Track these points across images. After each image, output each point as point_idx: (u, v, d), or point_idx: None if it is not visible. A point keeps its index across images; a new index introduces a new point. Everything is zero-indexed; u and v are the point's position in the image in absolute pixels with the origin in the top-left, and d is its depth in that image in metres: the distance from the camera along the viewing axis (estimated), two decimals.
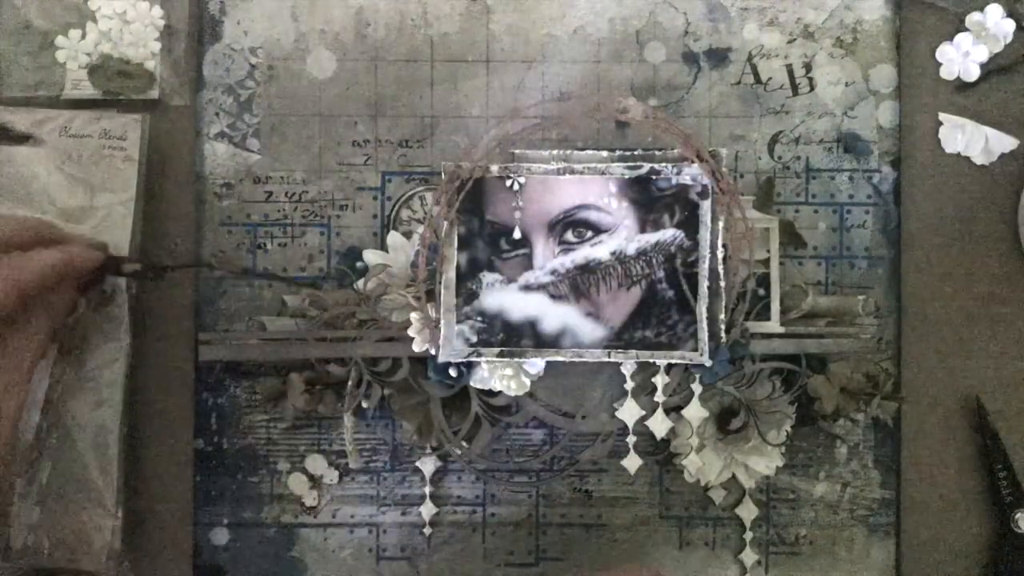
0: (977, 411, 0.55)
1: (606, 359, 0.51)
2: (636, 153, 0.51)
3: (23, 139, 0.52)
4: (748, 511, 0.55)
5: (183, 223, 0.55)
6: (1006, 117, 0.55)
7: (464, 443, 0.53)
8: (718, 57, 0.56)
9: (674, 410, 0.53)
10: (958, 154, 0.55)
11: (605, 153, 0.51)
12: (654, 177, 0.51)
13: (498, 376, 0.52)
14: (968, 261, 0.55)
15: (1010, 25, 0.54)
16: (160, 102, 0.54)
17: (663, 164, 0.51)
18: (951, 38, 0.55)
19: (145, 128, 0.53)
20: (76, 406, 0.52)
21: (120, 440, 0.52)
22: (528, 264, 0.51)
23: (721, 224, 0.51)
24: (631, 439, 0.53)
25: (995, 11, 0.55)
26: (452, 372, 0.52)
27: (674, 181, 0.51)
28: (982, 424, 0.55)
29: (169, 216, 0.55)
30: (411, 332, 0.51)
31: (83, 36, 0.54)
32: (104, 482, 0.52)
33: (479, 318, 0.51)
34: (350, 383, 0.52)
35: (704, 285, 0.51)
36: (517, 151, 0.52)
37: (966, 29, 0.55)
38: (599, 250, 0.51)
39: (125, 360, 0.52)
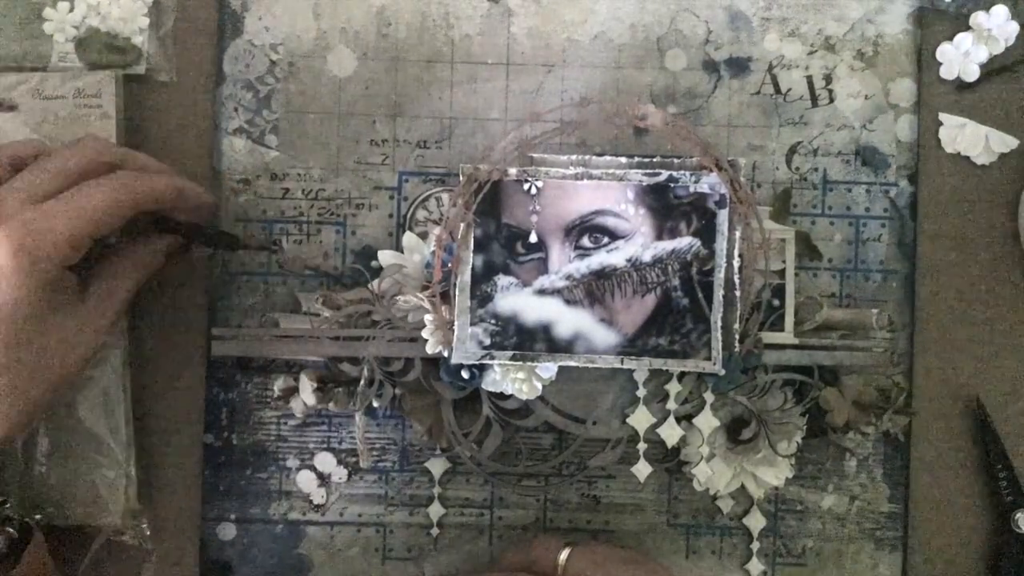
0: (977, 411, 0.55)
1: (619, 365, 0.51)
2: (654, 160, 0.51)
3: (1, 105, 0.53)
4: (756, 521, 0.55)
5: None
6: (1006, 117, 0.55)
7: (474, 445, 0.53)
8: (738, 66, 0.56)
9: (685, 418, 0.53)
10: (972, 164, 0.55)
11: (623, 159, 0.51)
12: (672, 185, 0.51)
13: (510, 379, 0.52)
14: (976, 268, 0.55)
15: (1014, 27, 0.55)
16: (148, 77, 0.54)
17: (681, 172, 0.51)
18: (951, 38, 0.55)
19: (119, 85, 0.53)
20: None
21: (126, 400, 0.53)
22: (543, 268, 0.51)
23: (738, 234, 0.51)
24: (641, 446, 0.53)
25: (1000, 12, 0.54)
26: (464, 374, 0.52)
27: (692, 189, 0.51)
28: (983, 425, 0.55)
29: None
30: (425, 333, 0.51)
31: (71, 8, 0.54)
32: (115, 440, 0.52)
33: (493, 321, 0.51)
34: (362, 382, 0.52)
35: (719, 294, 0.51)
36: (535, 155, 0.52)
37: (968, 29, 0.55)
38: (615, 256, 0.51)
39: (124, 317, 0.53)
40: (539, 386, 0.52)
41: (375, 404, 0.53)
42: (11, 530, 0.48)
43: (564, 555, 0.49)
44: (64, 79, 0.53)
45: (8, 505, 0.50)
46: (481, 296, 0.51)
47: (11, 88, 0.53)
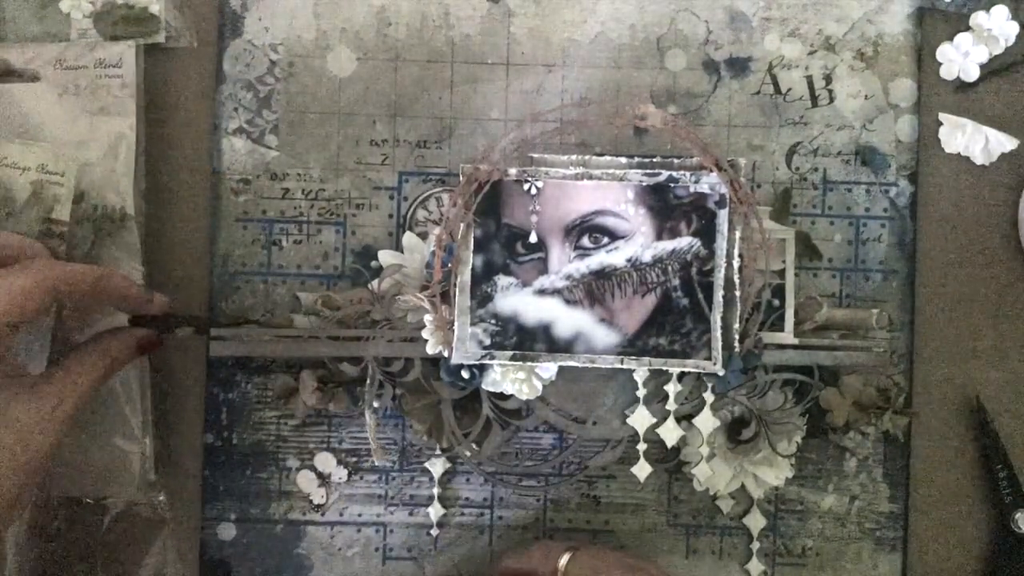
0: (977, 411, 0.55)
1: (619, 366, 0.51)
2: (654, 160, 0.51)
3: (21, 76, 0.53)
4: (756, 521, 0.55)
5: (198, 217, 0.55)
6: (1006, 117, 0.55)
7: (474, 445, 0.53)
8: (738, 66, 0.56)
9: (685, 418, 0.53)
10: (970, 164, 0.55)
11: (623, 159, 0.51)
12: (672, 185, 0.51)
13: (510, 379, 0.52)
14: (976, 268, 0.56)
15: (1014, 28, 0.55)
16: (165, 47, 0.54)
17: (681, 172, 0.51)
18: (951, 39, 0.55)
19: (140, 55, 0.53)
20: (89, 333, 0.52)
21: (144, 373, 0.53)
22: (543, 268, 0.51)
23: (738, 234, 0.51)
24: (641, 446, 0.53)
25: (1000, 12, 0.54)
26: (464, 374, 0.52)
27: (692, 189, 0.51)
28: (982, 424, 0.55)
29: (184, 210, 0.55)
30: (425, 333, 0.51)
31: None
32: (132, 412, 0.53)
33: (493, 321, 0.51)
34: (368, 382, 0.52)
35: (719, 294, 0.51)
36: (535, 155, 0.52)
37: (968, 29, 0.55)
38: (615, 256, 0.51)
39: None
40: (539, 386, 0.52)
41: (375, 404, 0.53)
42: None
43: (564, 560, 0.49)
44: (85, 49, 0.53)
45: None
46: (481, 296, 0.51)
47: (33, 59, 0.53)
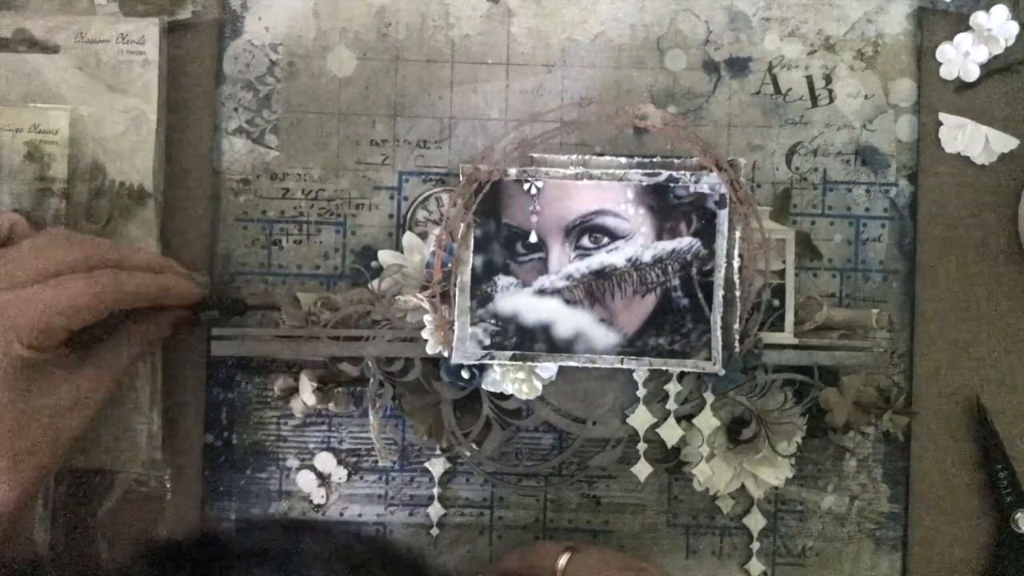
0: (977, 411, 0.55)
1: (619, 366, 0.51)
2: (654, 160, 0.51)
3: (41, 46, 0.53)
4: (756, 521, 0.55)
5: (198, 217, 0.55)
6: (1006, 117, 0.55)
7: (474, 445, 0.53)
8: (738, 66, 0.56)
9: (685, 418, 0.53)
10: (972, 164, 0.55)
11: (623, 159, 0.51)
12: (672, 185, 0.51)
13: (510, 379, 0.52)
14: (976, 268, 0.56)
15: (1014, 27, 0.55)
16: (188, 24, 0.54)
17: (681, 172, 0.51)
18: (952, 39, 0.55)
19: (163, 32, 0.53)
20: None
21: (156, 352, 0.53)
22: (543, 268, 0.51)
23: (738, 234, 0.51)
24: (641, 446, 0.53)
25: (1000, 12, 0.54)
26: (464, 374, 0.52)
27: (692, 189, 0.51)
28: (983, 424, 0.55)
29: (184, 210, 0.55)
30: (425, 333, 0.51)
31: None
32: (140, 384, 0.53)
33: (493, 321, 0.51)
34: (372, 382, 0.52)
35: (719, 294, 0.51)
36: (535, 155, 0.52)
37: (968, 29, 0.55)
38: (615, 256, 0.51)
39: None
40: (539, 386, 0.52)
41: (375, 404, 0.53)
42: None
43: (564, 560, 0.49)
44: (108, 23, 0.53)
45: None
46: (481, 296, 0.51)
47: (55, 31, 0.53)
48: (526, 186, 0.51)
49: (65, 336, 0.44)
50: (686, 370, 0.52)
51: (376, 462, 0.55)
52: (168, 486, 0.54)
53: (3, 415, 0.44)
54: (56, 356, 0.45)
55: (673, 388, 0.53)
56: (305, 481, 0.56)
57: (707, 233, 0.51)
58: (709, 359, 0.51)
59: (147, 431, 0.53)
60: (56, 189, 0.52)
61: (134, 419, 0.53)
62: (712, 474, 0.53)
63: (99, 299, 0.44)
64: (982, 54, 0.55)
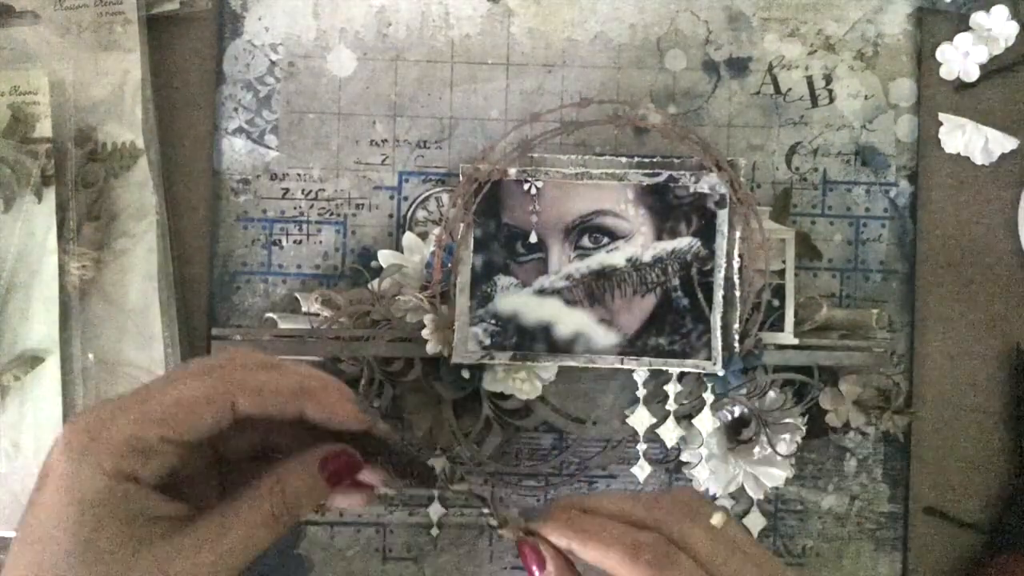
0: (1017, 356, 0.55)
1: (619, 366, 0.51)
2: (654, 160, 0.51)
3: (22, 17, 0.53)
4: (756, 521, 0.55)
5: (198, 217, 0.55)
6: (1006, 117, 0.55)
7: (474, 445, 0.53)
8: (738, 66, 0.56)
9: (685, 418, 0.53)
10: (972, 164, 0.55)
11: (623, 159, 0.51)
12: (672, 185, 0.51)
13: (510, 379, 0.52)
14: (976, 268, 0.56)
15: (1014, 27, 0.54)
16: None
17: (681, 172, 0.51)
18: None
19: None
20: (110, 282, 0.53)
21: (162, 315, 0.53)
22: (543, 268, 0.51)
23: (737, 234, 0.51)
24: (641, 446, 0.53)
25: (1000, 12, 0.54)
26: (464, 374, 0.52)
27: (692, 189, 0.51)
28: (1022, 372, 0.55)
29: (184, 210, 0.55)
30: (425, 333, 0.51)
31: None
32: (148, 358, 0.53)
33: (493, 321, 0.51)
34: (363, 382, 0.52)
35: (719, 294, 0.51)
36: (535, 155, 0.52)
37: (968, 29, 0.55)
38: (615, 256, 0.51)
39: (157, 229, 0.53)
40: (539, 386, 0.52)
41: (375, 404, 0.53)
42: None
43: (718, 519, 0.39)
44: None
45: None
46: (481, 296, 0.51)
47: (33, 0, 0.53)
48: (526, 186, 0.51)
49: (169, 460, 0.34)
50: (686, 370, 0.52)
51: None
52: None
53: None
54: (160, 502, 0.34)
55: (673, 388, 0.53)
56: None
57: (707, 233, 0.51)
58: (709, 359, 0.51)
59: None
60: (42, 151, 0.52)
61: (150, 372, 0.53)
62: (712, 474, 0.53)
63: (207, 399, 0.34)
64: (982, 54, 0.55)
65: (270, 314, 0.54)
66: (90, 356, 0.52)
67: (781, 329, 0.53)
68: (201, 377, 0.35)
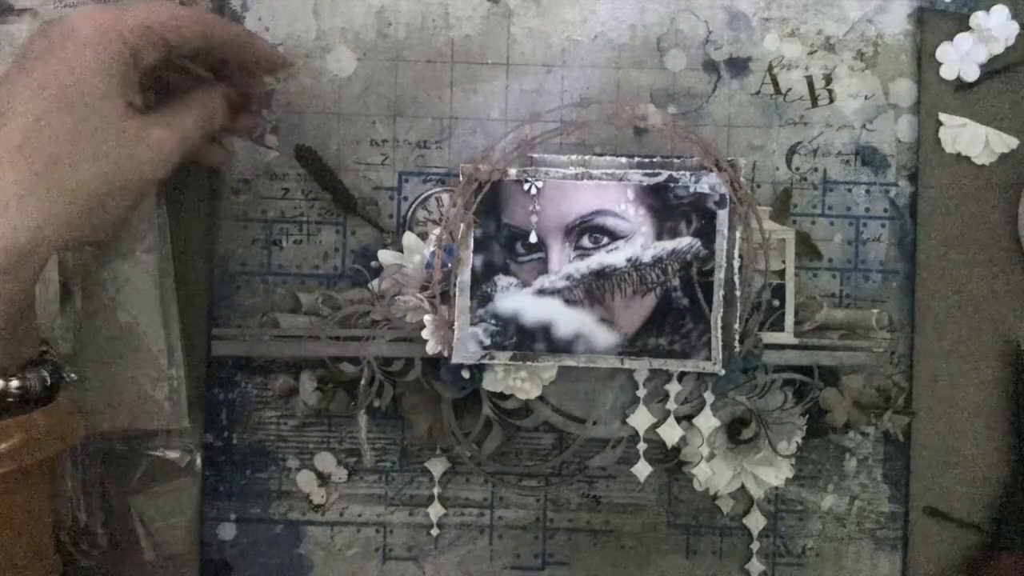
0: (1017, 357, 0.55)
1: (619, 365, 0.51)
2: (654, 160, 0.51)
3: (19, 15, 0.53)
4: (756, 521, 0.55)
5: (198, 217, 0.55)
6: (1006, 117, 0.55)
7: (474, 445, 0.53)
8: (738, 66, 0.56)
9: (685, 418, 0.53)
10: (972, 164, 0.55)
11: (623, 159, 0.51)
12: (672, 185, 0.51)
13: (510, 379, 0.52)
14: (976, 268, 0.56)
15: (1014, 27, 0.54)
16: None
17: (681, 172, 0.51)
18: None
19: None
20: (110, 268, 0.52)
21: (166, 306, 0.53)
22: (543, 268, 0.51)
23: (738, 234, 0.51)
24: (641, 446, 0.53)
25: (1000, 12, 0.54)
26: (464, 374, 0.52)
27: (692, 189, 0.51)
28: (1021, 372, 0.55)
29: (184, 210, 0.55)
30: (425, 333, 0.51)
31: None
32: (154, 345, 0.52)
33: (493, 321, 0.51)
34: (363, 382, 0.52)
35: (719, 294, 0.51)
36: (535, 155, 0.52)
37: (968, 29, 0.55)
38: (615, 256, 0.51)
39: (157, 229, 0.53)
40: (539, 386, 0.52)
41: (375, 404, 0.53)
42: (45, 373, 0.45)
43: None
44: None
45: (48, 351, 0.47)
46: (481, 296, 0.51)
47: None
48: (526, 186, 0.51)
49: (159, 52, 0.43)
50: (686, 370, 0.52)
51: (376, 462, 0.55)
52: (197, 459, 0.54)
53: (81, 113, 0.41)
54: (138, 90, 0.44)
55: (673, 388, 0.53)
56: (305, 481, 0.56)
57: (707, 233, 0.51)
58: (709, 359, 0.51)
59: (167, 388, 0.52)
60: None
61: (151, 374, 0.53)
62: (712, 474, 0.53)
63: (196, 21, 0.44)
64: (982, 54, 0.55)
65: (270, 314, 0.54)
66: (87, 354, 0.52)
67: (781, 329, 0.53)
68: (190, 8, 0.45)
